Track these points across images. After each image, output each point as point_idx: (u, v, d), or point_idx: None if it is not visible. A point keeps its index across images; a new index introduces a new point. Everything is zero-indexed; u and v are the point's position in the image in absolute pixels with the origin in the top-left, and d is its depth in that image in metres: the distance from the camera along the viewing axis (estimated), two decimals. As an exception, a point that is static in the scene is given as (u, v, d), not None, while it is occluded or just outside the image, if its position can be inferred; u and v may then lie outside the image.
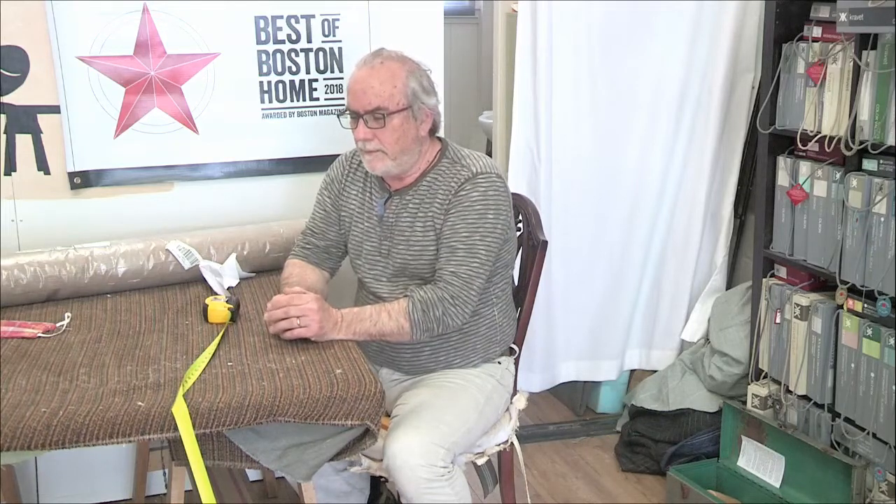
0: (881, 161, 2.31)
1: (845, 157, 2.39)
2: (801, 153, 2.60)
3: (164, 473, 2.70)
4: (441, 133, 2.26)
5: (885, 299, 2.29)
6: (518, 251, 2.37)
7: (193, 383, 1.74)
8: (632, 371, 3.35)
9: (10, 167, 2.46)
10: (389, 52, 2.12)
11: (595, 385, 3.36)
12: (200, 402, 1.68)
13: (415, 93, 2.09)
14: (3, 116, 2.42)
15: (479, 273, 2.09)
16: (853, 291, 2.41)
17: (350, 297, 2.37)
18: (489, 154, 3.64)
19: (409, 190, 2.17)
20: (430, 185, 2.15)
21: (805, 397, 2.62)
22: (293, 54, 2.65)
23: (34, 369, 1.82)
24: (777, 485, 2.62)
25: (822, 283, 2.61)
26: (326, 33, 2.67)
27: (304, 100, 2.69)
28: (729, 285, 3.21)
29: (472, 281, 2.08)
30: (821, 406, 2.55)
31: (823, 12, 2.49)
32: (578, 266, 3.10)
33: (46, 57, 2.42)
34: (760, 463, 2.68)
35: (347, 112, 2.12)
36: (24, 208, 2.49)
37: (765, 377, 2.76)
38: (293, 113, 2.69)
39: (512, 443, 2.29)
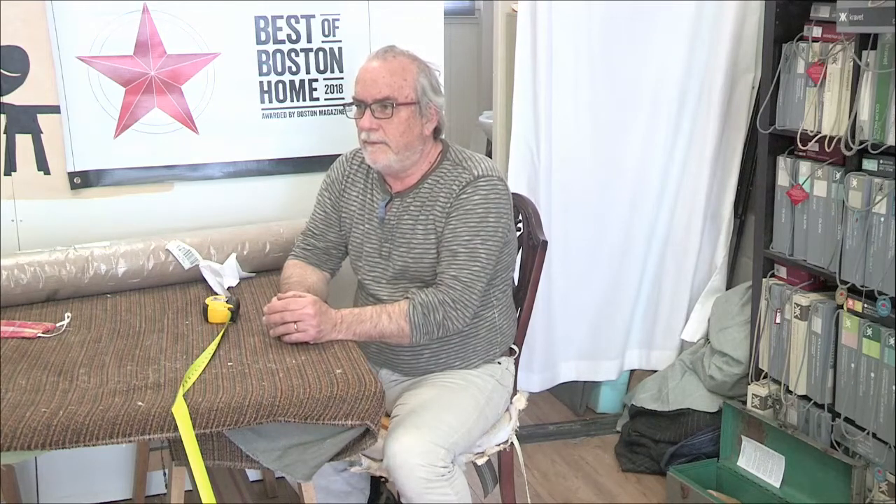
0: (881, 161, 2.31)
1: (845, 157, 2.39)
2: (801, 153, 2.59)
3: (164, 473, 2.70)
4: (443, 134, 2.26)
5: (885, 299, 2.29)
6: (518, 251, 2.37)
7: (193, 383, 1.74)
8: (632, 371, 3.35)
9: (10, 167, 2.46)
10: (401, 49, 2.14)
11: (595, 385, 3.36)
12: (200, 402, 1.68)
13: (424, 89, 2.10)
14: (3, 116, 2.42)
15: (480, 277, 2.09)
16: (853, 291, 2.41)
17: (350, 298, 2.37)
18: (489, 154, 3.64)
19: (410, 192, 2.17)
20: (432, 187, 2.15)
21: (805, 397, 2.62)
22: (293, 54, 2.65)
23: (34, 369, 1.82)
24: (777, 485, 2.62)
25: (822, 283, 2.61)
26: (326, 33, 2.67)
27: (304, 100, 2.69)
28: (729, 285, 3.21)
29: (473, 285, 2.08)
30: (821, 406, 2.55)
31: (823, 12, 2.49)
32: (578, 266, 3.10)
33: (46, 57, 2.42)
34: (760, 463, 2.68)
35: (353, 104, 2.12)
36: (24, 208, 2.49)
37: (765, 377, 2.76)
38: (293, 113, 2.69)
39: (512, 443, 2.29)
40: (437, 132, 2.19)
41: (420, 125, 2.11)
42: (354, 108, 2.13)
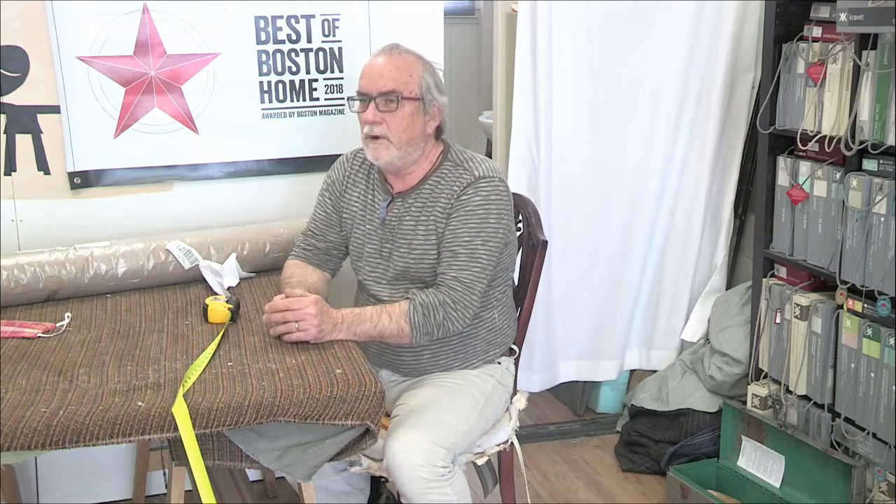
0: (881, 161, 2.31)
1: (845, 157, 2.39)
2: (801, 153, 2.59)
3: (164, 473, 2.69)
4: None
5: (885, 299, 2.29)
6: (518, 251, 2.37)
7: (193, 383, 1.74)
8: (632, 371, 3.35)
9: (10, 167, 2.46)
10: (406, 47, 2.15)
11: (595, 385, 3.36)
12: (200, 402, 1.68)
13: (428, 87, 2.11)
14: (3, 116, 2.42)
15: (481, 278, 2.09)
16: (853, 291, 2.41)
17: (350, 298, 2.37)
18: (489, 154, 3.64)
19: (411, 193, 2.17)
20: (433, 188, 2.15)
21: (805, 397, 2.62)
22: (293, 54, 2.65)
23: (34, 369, 1.82)
24: (777, 485, 2.62)
25: (822, 283, 2.61)
26: (326, 33, 2.67)
27: (304, 100, 2.69)
28: (729, 285, 3.21)
29: (474, 286, 2.08)
30: (821, 406, 2.55)
31: (823, 12, 2.49)
32: (578, 266, 3.10)
33: (46, 57, 2.42)
34: (760, 463, 2.68)
35: (356, 99, 2.13)
36: (24, 208, 2.49)
37: (765, 377, 2.76)
38: (293, 113, 2.69)
39: (512, 443, 2.29)
40: (439, 132, 2.19)
41: (423, 122, 2.12)
42: (357, 102, 2.13)
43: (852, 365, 2.43)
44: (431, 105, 2.12)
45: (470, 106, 5.42)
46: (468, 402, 2.14)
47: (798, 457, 2.56)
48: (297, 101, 2.68)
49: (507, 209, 2.14)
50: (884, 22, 2.15)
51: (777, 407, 2.68)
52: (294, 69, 2.66)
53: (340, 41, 2.68)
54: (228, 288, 2.33)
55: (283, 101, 2.67)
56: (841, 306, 2.45)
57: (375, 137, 2.10)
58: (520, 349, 2.35)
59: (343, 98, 2.69)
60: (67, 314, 2.14)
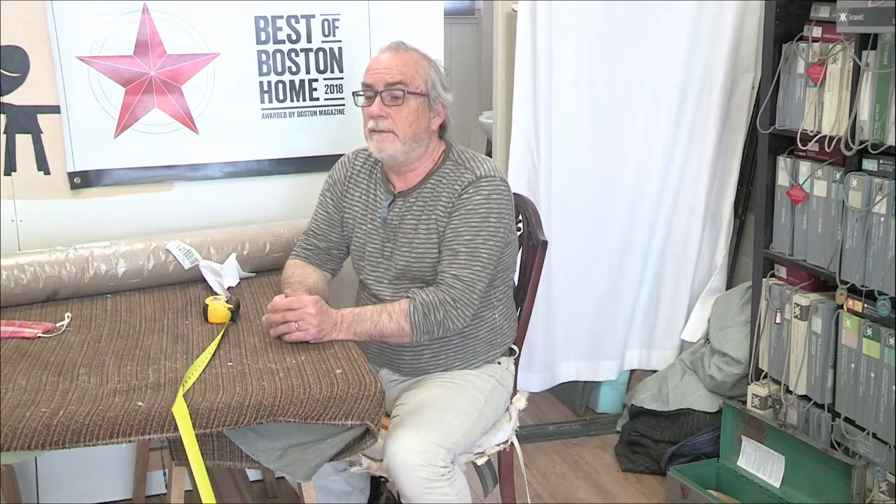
0: (881, 161, 2.31)
1: (845, 157, 2.39)
2: (801, 153, 2.60)
3: (164, 473, 2.70)
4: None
5: (885, 299, 2.29)
6: (518, 251, 2.37)
7: (193, 383, 1.74)
8: (632, 371, 3.35)
9: (10, 167, 2.46)
10: (412, 45, 2.16)
11: (595, 385, 3.36)
12: (200, 402, 1.68)
13: (434, 84, 2.12)
14: (3, 116, 2.42)
15: (481, 276, 2.10)
16: (853, 291, 2.41)
17: (350, 298, 2.37)
18: (489, 154, 3.64)
19: (412, 192, 2.17)
20: (434, 187, 2.15)
21: (805, 397, 2.62)
22: (293, 54, 2.65)
23: (34, 369, 1.82)
24: (777, 485, 2.62)
25: (822, 283, 2.61)
26: (326, 33, 2.67)
27: (304, 100, 2.69)
28: (729, 285, 3.21)
29: (474, 284, 2.08)
30: (821, 406, 2.55)
31: (823, 12, 2.49)
32: (578, 266, 3.10)
33: (46, 57, 2.42)
34: (760, 463, 2.68)
35: (362, 94, 2.13)
36: (24, 208, 2.49)
37: (765, 377, 2.76)
38: (293, 113, 2.69)
39: (512, 443, 2.29)
40: (442, 130, 2.19)
41: (427, 118, 2.13)
42: (362, 97, 2.14)
43: (852, 365, 2.43)
44: (436, 102, 2.13)
45: (470, 106, 5.42)
46: (468, 402, 2.14)
47: (798, 457, 2.56)
48: (297, 101, 2.68)
49: (508, 209, 2.14)
50: (884, 22, 2.15)
51: (777, 407, 2.69)
52: (294, 69, 2.66)
53: (340, 41, 2.68)
54: (228, 288, 2.33)
55: (283, 101, 2.67)
56: (841, 306, 2.45)
57: (380, 130, 2.10)
58: (520, 349, 2.35)
59: (343, 98, 2.69)
60: (67, 314, 2.14)
